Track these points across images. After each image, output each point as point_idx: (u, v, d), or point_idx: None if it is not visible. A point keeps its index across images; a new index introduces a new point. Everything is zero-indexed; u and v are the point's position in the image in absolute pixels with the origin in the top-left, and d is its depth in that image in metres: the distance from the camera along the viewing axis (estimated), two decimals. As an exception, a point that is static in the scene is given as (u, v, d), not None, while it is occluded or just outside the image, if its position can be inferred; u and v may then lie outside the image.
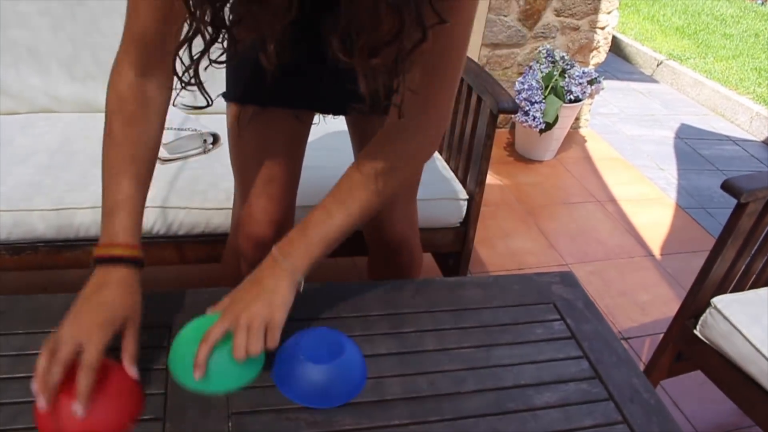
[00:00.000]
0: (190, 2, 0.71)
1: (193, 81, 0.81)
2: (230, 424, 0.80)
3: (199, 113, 2.00)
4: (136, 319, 0.83)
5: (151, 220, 1.59)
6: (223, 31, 0.74)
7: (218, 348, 0.83)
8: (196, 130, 1.78)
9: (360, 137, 1.34)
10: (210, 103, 0.87)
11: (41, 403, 0.73)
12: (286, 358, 0.87)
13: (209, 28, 0.73)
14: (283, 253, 0.90)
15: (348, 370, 0.87)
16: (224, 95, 1.23)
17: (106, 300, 0.81)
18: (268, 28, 0.70)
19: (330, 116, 1.30)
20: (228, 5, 0.72)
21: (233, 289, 0.90)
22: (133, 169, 0.90)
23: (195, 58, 0.78)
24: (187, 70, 0.80)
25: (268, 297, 0.87)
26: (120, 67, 0.89)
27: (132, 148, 0.90)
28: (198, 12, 0.71)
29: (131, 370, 0.81)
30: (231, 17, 0.73)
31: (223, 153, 1.82)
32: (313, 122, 1.31)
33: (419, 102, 0.89)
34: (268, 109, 1.18)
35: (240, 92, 1.19)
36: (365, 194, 0.93)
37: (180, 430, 0.78)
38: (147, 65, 0.89)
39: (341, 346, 0.87)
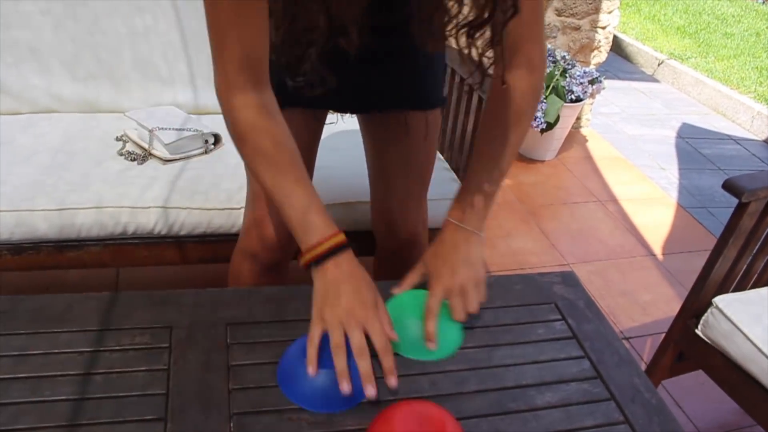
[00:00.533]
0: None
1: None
2: (232, 425, 0.80)
3: (201, 114, 2.01)
4: (378, 293, 0.91)
5: (153, 220, 1.59)
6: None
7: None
8: (197, 130, 1.79)
9: (374, 134, 1.35)
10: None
11: (372, 392, 0.81)
12: (291, 360, 0.87)
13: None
14: (463, 221, 1.01)
15: (353, 375, 0.86)
16: None
17: (359, 283, 0.89)
18: (347, 12, 0.74)
19: (347, 115, 1.31)
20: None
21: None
22: (300, 176, 0.92)
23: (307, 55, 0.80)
24: (307, 66, 0.82)
25: (466, 259, 0.98)
26: (234, 93, 0.88)
27: (288, 158, 0.92)
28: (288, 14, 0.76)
29: (393, 334, 0.88)
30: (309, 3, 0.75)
31: (224, 153, 1.82)
32: (331, 122, 1.32)
33: (524, 40, 0.95)
34: (286, 109, 1.18)
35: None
36: (510, 146, 1.01)
37: (181, 431, 0.78)
38: (259, 81, 0.90)
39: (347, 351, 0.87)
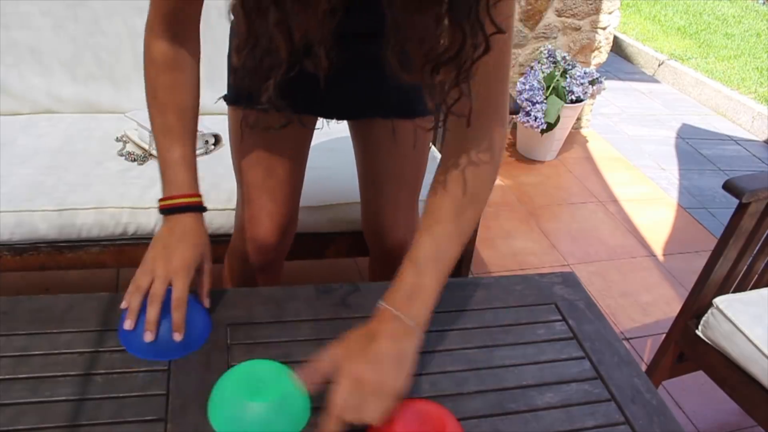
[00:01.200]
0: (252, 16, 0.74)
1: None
2: None
3: (201, 114, 2.00)
4: (209, 257, 0.97)
5: (153, 220, 1.59)
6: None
7: (265, 402, 0.79)
8: (198, 131, 1.78)
9: (363, 141, 1.34)
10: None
11: (130, 326, 0.88)
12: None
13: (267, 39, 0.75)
14: (405, 312, 0.81)
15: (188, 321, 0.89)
16: (225, 98, 1.23)
17: (186, 242, 0.94)
18: (315, 34, 0.72)
19: (333, 121, 1.30)
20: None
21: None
22: (182, 130, 1.00)
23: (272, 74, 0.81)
24: (268, 87, 0.83)
25: (405, 365, 0.79)
26: (153, 37, 0.96)
27: (178, 112, 1.00)
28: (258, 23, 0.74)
29: (206, 302, 0.96)
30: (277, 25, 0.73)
31: (224, 154, 1.82)
32: (317, 127, 1.31)
33: (484, 108, 0.85)
34: (272, 113, 1.18)
35: (243, 95, 1.19)
36: (465, 217, 0.88)
37: (181, 431, 0.78)
38: (178, 35, 0.97)
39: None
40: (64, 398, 0.81)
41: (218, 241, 1.64)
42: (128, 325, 0.88)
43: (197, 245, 0.95)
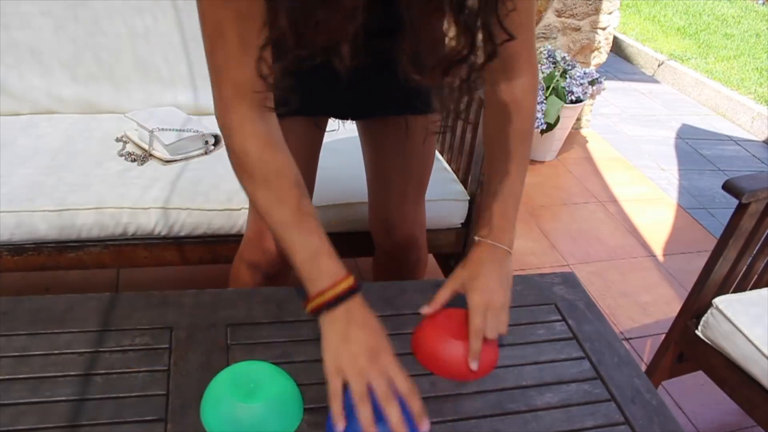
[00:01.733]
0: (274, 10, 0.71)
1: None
2: None
3: (201, 114, 2.01)
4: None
5: (153, 221, 1.59)
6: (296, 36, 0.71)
7: (256, 404, 0.79)
8: (197, 131, 1.79)
9: (373, 138, 1.35)
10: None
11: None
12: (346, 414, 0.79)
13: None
14: (495, 238, 1.00)
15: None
16: None
17: (374, 327, 0.83)
18: (340, 31, 0.69)
19: (348, 121, 1.31)
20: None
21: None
22: (307, 213, 0.87)
23: (279, 65, 0.77)
24: (276, 77, 0.79)
25: (503, 278, 0.98)
26: (238, 123, 0.84)
27: (297, 195, 0.87)
28: (280, 19, 0.70)
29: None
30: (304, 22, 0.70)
31: (224, 154, 1.82)
32: (333, 129, 1.31)
33: (516, 55, 0.95)
34: (287, 118, 1.16)
35: None
36: (525, 156, 1.03)
37: (181, 431, 0.78)
38: (262, 107, 0.85)
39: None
40: (64, 398, 0.81)
41: (219, 241, 1.65)
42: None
43: (381, 329, 0.84)
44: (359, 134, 1.38)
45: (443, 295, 0.97)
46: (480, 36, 0.70)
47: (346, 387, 0.79)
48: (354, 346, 0.80)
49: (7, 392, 0.81)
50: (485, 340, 0.92)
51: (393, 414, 0.75)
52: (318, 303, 0.83)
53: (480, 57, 0.73)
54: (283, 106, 1.14)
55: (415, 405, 0.78)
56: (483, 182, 1.78)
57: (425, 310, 0.97)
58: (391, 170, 1.36)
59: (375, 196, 1.43)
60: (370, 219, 1.48)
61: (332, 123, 1.32)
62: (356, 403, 0.76)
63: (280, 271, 1.35)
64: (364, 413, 0.75)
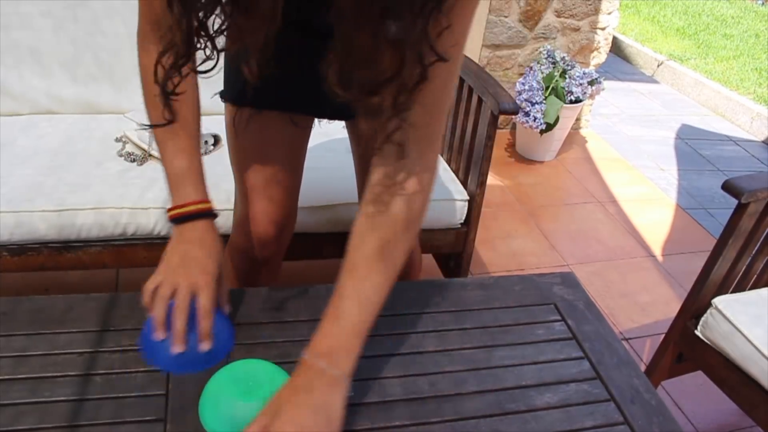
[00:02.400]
0: (175, 12, 0.68)
1: (177, 91, 0.79)
2: None
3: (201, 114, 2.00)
4: (223, 263, 0.96)
5: (153, 220, 1.59)
6: (206, 40, 0.71)
7: (255, 402, 0.79)
8: (197, 131, 1.78)
9: (359, 141, 1.34)
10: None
11: (161, 335, 0.86)
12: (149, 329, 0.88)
13: (195, 37, 0.71)
14: (330, 362, 0.78)
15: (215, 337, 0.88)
16: (221, 94, 1.23)
17: (204, 250, 0.93)
18: (251, 39, 0.68)
19: (325, 120, 1.30)
20: (214, 15, 0.69)
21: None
22: (188, 141, 0.99)
23: (175, 66, 0.74)
24: (165, 80, 0.77)
25: (325, 414, 0.75)
26: (145, 46, 0.97)
27: (181, 120, 0.96)
28: (183, 22, 0.68)
29: (227, 307, 0.96)
30: (215, 27, 0.70)
31: (223, 154, 1.82)
32: (307, 127, 1.31)
33: (420, 137, 0.82)
34: (265, 112, 1.19)
35: (236, 93, 1.19)
36: (394, 255, 0.84)
37: (181, 431, 0.78)
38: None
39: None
40: (63, 398, 0.81)
41: (218, 242, 1.65)
42: (159, 336, 0.86)
43: (214, 253, 0.94)
44: (348, 132, 1.37)
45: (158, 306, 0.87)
46: (409, 56, 0.65)
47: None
48: (182, 258, 0.92)
49: (6, 392, 0.81)
50: None
51: (177, 322, 0.85)
52: (172, 214, 0.96)
53: (411, 78, 0.68)
54: (257, 98, 1.15)
55: (203, 324, 0.87)
56: (482, 182, 1.78)
57: None
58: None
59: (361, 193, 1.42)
60: None
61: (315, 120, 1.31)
62: (155, 301, 0.87)
63: (271, 257, 1.36)
64: (156, 311, 0.87)
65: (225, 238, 1.64)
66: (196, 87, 1.01)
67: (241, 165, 1.27)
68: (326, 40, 0.68)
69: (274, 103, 1.18)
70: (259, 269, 1.39)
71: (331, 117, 1.28)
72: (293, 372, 0.78)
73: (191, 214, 0.95)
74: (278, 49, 0.70)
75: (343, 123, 1.36)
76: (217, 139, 1.84)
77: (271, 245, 1.34)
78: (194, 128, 1.00)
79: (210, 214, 0.97)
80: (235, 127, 1.21)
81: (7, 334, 0.89)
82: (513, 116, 3.25)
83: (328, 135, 1.89)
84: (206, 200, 0.98)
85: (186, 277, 0.88)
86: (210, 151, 1.82)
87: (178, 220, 0.95)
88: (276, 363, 0.88)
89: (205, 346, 0.87)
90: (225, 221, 1.63)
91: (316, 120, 1.30)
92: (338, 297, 0.82)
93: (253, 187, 1.27)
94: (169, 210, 0.96)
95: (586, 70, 3.02)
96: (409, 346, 0.96)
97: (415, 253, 1.51)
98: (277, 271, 1.46)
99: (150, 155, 1.75)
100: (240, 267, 1.39)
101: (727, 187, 1.40)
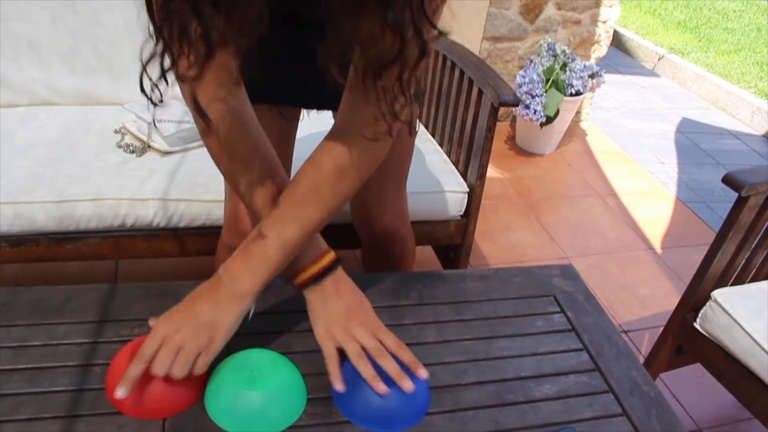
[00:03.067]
0: (156, 19, 0.67)
1: (161, 99, 0.78)
2: None
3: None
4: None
5: (152, 212, 1.59)
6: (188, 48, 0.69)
7: (259, 392, 0.80)
8: (193, 123, 1.78)
9: None
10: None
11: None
12: (348, 379, 0.83)
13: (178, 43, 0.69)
14: (231, 276, 0.84)
15: (413, 394, 0.83)
16: None
17: (360, 299, 0.90)
18: (235, 43, 0.69)
19: (314, 111, 1.29)
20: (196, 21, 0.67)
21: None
22: (281, 185, 0.89)
23: (160, 75, 0.74)
24: (153, 87, 0.76)
25: (210, 322, 0.82)
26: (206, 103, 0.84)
27: (268, 167, 0.90)
28: (165, 29, 0.67)
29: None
30: (198, 32, 0.68)
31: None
32: (300, 119, 1.30)
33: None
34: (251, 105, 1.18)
35: None
36: (324, 198, 0.86)
37: (181, 422, 0.78)
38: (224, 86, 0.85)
39: (406, 369, 0.84)
40: (62, 389, 0.81)
41: (218, 233, 1.64)
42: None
43: (362, 295, 0.91)
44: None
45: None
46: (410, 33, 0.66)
47: (340, 353, 0.85)
48: (342, 312, 0.87)
49: (6, 382, 0.81)
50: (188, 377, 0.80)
51: (390, 365, 0.82)
52: (304, 277, 0.87)
53: (412, 56, 0.69)
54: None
55: (407, 356, 0.84)
56: (482, 174, 1.78)
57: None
58: None
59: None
60: (351, 212, 1.48)
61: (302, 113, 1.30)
62: (355, 362, 0.82)
63: None
64: (365, 368, 0.82)
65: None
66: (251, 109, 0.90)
67: None
68: (313, 29, 0.68)
69: (260, 95, 1.17)
70: None
71: (320, 107, 1.27)
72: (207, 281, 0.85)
73: (330, 265, 0.89)
74: (263, 42, 0.69)
75: (330, 114, 1.35)
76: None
77: None
78: (279, 166, 0.91)
79: (340, 262, 0.91)
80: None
81: (7, 324, 0.89)
82: (513, 109, 3.24)
83: (323, 125, 1.88)
84: (330, 249, 0.91)
85: (362, 328, 0.86)
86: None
87: (318, 277, 0.88)
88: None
89: (423, 374, 0.83)
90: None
91: (304, 112, 1.29)
92: (266, 223, 0.85)
93: None
94: (299, 273, 0.88)
95: (587, 63, 3.02)
96: (409, 337, 0.96)
97: (406, 244, 1.50)
98: None
99: (149, 146, 1.75)
100: None
101: (728, 180, 1.40)
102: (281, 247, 0.84)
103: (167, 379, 0.78)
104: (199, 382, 0.82)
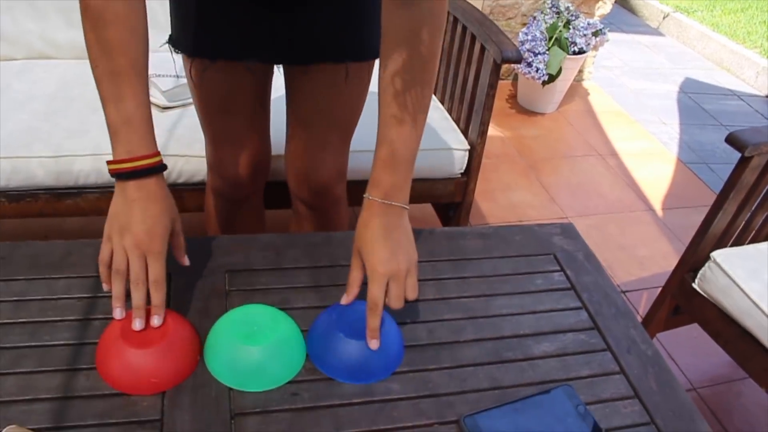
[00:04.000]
0: None
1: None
2: (233, 423, 0.78)
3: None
4: (178, 219, 0.88)
5: (151, 168, 1.58)
6: None
7: (258, 346, 0.80)
8: (178, 76, 1.76)
9: (300, 87, 1.27)
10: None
11: (120, 314, 0.80)
12: (322, 333, 0.85)
13: None
14: (390, 196, 0.88)
15: (386, 344, 0.84)
16: (172, 42, 1.21)
17: (154, 211, 0.83)
18: None
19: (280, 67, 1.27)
20: None
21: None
22: (137, 79, 0.85)
23: None
24: None
25: (403, 239, 0.88)
26: None
27: (129, 57, 0.84)
28: None
29: (185, 260, 0.90)
30: None
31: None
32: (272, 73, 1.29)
33: None
34: (220, 62, 1.17)
35: (189, 43, 1.17)
36: (419, 93, 0.87)
37: (180, 385, 0.79)
38: None
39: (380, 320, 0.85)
40: (63, 342, 0.81)
41: (199, 189, 1.64)
42: (118, 314, 0.80)
43: (167, 208, 0.85)
44: (285, 79, 1.30)
45: (354, 276, 0.88)
46: None
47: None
48: (129, 222, 0.81)
49: (7, 336, 0.81)
50: (178, 348, 0.80)
51: (135, 295, 0.79)
52: (114, 169, 0.83)
53: None
54: (210, 48, 1.13)
55: (156, 297, 0.81)
56: (483, 132, 1.76)
57: (344, 300, 0.88)
58: (315, 117, 1.29)
59: (294, 141, 1.35)
60: (286, 166, 1.41)
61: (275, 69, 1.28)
62: (112, 276, 0.81)
63: (247, 196, 1.39)
64: (116, 286, 0.81)
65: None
66: (144, 17, 0.86)
67: (205, 113, 1.27)
68: None
69: (227, 52, 1.16)
70: (238, 210, 1.42)
71: (284, 61, 1.24)
72: (365, 215, 0.88)
73: (142, 169, 0.83)
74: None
75: None
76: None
77: (246, 187, 1.36)
78: (143, 65, 0.87)
79: (161, 168, 0.86)
80: (192, 78, 1.20)
81: (6, 278, 0.89)
82: (515, 67, 3.20)
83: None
84: (157, 153, 0.86)
85: (138, 247, 0.81)
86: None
87: (124, 175, 0.83)
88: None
89: (155, 321, 0.81)
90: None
91: (275, 68, 1.28)
92: (383, 136, 0.89)
93: (220, 134, 1.28)
94: (112, 162, 0.83)
95: (591, 21, 2.97)
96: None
97: (342, 207, 1.48)
98: (260, 213, 1.47)
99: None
100: (220, 208, 1.42)
101: (731, 139, 1.39)
102: (408, 158, 0.91)
103: (162, 357, 0.78)
104: (193, 355, 0.82)
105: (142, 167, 0.83)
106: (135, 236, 0.81)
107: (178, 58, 1.24)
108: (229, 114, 1.26)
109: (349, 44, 1.18)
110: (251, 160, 1.33)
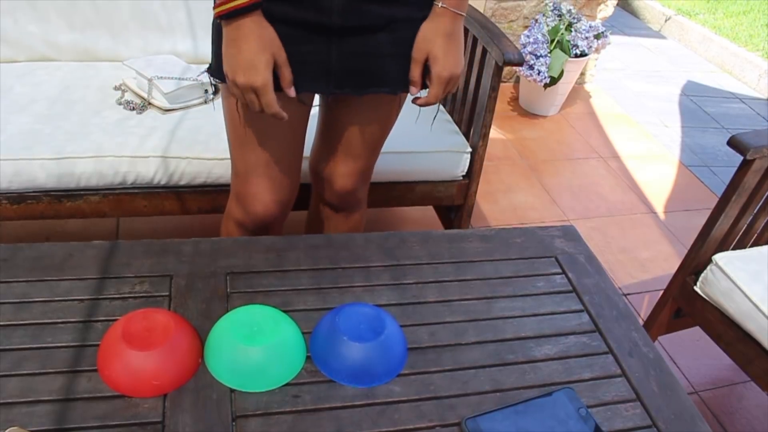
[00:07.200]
0: None
1: None
2: (234, 425, 0.78)
3: (200, 63, 1.98)
4: (280, 52, 1.01)
5: (153, 170, 1.58)
6: None
7: (259, 347, 0.80)
8: (197, 79, 1.76)
9: (337, 112, 1.27)
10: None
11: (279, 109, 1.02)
12: (325, 335, 0.85)
13: None
14: (458, 6, 1.03)
15: (390, 347, 0.84)
16: (212, 73, 1.14)
17: (249, 49, 0.97)
18: None
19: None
20: None
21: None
22: None
23: None
24: None
25: (460, 48, 1.08)
26: None
27: None
28: None
29: (291, 92, 1.05)
30: None
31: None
32: (315, 104, 1.27)
33: None
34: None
35: None
36: None
37: (181, 386, 0.79)
38: None
39: (382, 323, 0.85)
40: (65, 344, 0.81)
41: (218, 191, 1.65)
42: (292, 92, 1.04)
43: (268, 44, 0.98)
44: (325, 102, 1.29)
45: (415, 71, 1.09)
46: None
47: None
48: (228, 61, 0.99)
49: (8, 338, 0.81)
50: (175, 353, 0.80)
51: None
52: (221, 10, 0.95)
53: None
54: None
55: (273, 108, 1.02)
56: (485, 134, 1.76)
57: (419, 100, 1.12)
58: (355, 141, 1.29)
59: (324, 152, 1.35)
60: (311, 171, 1.42)
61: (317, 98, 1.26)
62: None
63: (271, 227, 1.34)
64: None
65: (226, 187, 1.63)
66: None
67: (241, 146, 1.21)
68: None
69: (279, 84, 1.09)
70: (259, 234, 1.36)
71: (347, 92, 1.18)
72: (437, 22, 1.05)
73: (233, 10, 0.94)
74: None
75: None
76: (217, 89, 1.82)
77: (265, 220, 1.31)
78: None
79: (253, 7, 0.96)
80: (238, 111, 1.16)
81: (8, 280, 0.89)
82: (517, 69, 3.20)
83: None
84: None
85: (239, 82, 0.98)
86: (210, 100, 1.80)
87: (223, 17, 0.95)
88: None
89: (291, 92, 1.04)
90: (225, 171, 1.63)
91: (316, 97, 1.26)
92: None
93: (254, 168, 1.22)
94: (215, 7, 0.96)
95: (593, 23, 2.97)
96: (410, 296, 0.96)
97: (363, 213, 1.49)
98: (279, 233, 1.44)
99: (149, 104, 1.73)
100: (238, 236, 1.37)
101: (733, 142, 1.39)
102: None
103: (163, 360, 0.78)
104: (194, 357, 0.82)
105: (232, 8, 0.94)
106: (235, 75, 0.98)
107: (179, 62, 1.23)
108: (267, 147, 1.20)
109: (404, 74, 1.13)
110: (283, 196, 1.28)
